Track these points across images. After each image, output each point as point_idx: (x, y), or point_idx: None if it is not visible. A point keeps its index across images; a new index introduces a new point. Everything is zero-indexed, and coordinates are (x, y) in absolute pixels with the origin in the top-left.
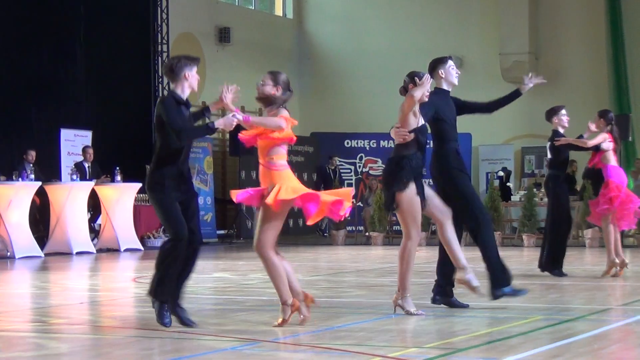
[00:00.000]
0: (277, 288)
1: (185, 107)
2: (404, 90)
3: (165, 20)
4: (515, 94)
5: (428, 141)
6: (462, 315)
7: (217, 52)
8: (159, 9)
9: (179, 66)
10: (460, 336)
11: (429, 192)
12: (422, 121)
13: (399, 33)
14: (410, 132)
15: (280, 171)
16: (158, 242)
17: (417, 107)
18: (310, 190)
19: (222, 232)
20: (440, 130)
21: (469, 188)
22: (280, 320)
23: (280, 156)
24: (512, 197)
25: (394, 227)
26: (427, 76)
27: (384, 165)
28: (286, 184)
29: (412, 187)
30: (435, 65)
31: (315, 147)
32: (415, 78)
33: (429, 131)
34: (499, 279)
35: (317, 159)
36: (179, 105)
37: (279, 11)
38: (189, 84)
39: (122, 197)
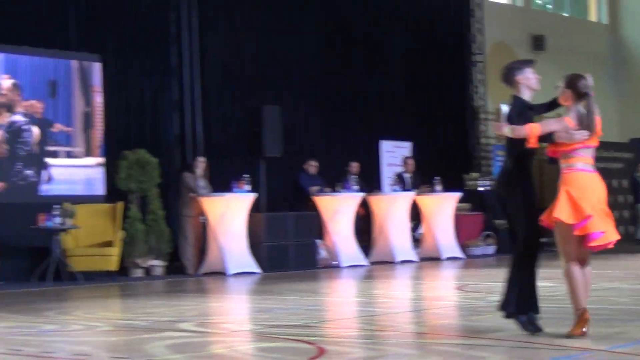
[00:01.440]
0: (571, 297)
1: (529, 109)
2: None
3: (480, 30)
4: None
5: None
6: None
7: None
8: (473, 19)
9: (508, 73)
10: None
11: None
12: None
13: None
14: None
15: (565, 173)
16: (479, 251)
17: None
18: (589, 214)
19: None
20: None
21: None
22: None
23: (571, 159)
24: None
25: None
26: None
27: None
28: (566, 192)
29: None
30: None
31: (636, 153)
32: None
33: None
34: None
35: (636, 165)
36: (526, 109)
37: (592, 17)
38: (526, 86)
39: (442, 207)
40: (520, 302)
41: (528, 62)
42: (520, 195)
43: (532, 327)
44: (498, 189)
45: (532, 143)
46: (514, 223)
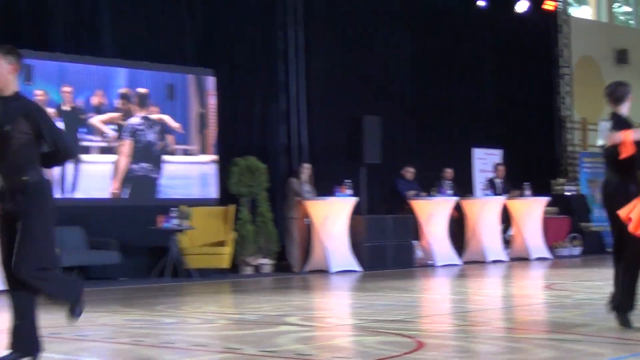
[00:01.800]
0: None
1: (629, 125)
2: None
3: (567, 45)
4: None
5: None
6: None
7: (616, 73)
8: (560, 35)
9: (623, 90)
10: None
11: None
12: None
13: None
14: None
15: None
16: (566, 252)
17: None
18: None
19: None
20: None
21: None
22: None
23: None
24: None
25: None
26: None
27: None
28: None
29: None
30: None
31: None
32: None
33: None
34: None
35: None
36: (627, 124)
37: None
38: (628, 107)
39: (531, 210)
40: (622, 300)
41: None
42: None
43: (626, 323)
44: (603, 202)
45: (628, 150)
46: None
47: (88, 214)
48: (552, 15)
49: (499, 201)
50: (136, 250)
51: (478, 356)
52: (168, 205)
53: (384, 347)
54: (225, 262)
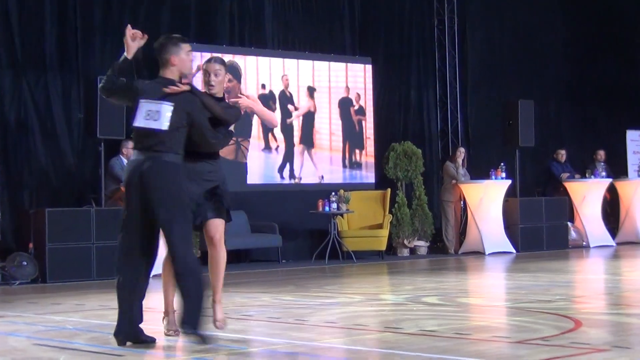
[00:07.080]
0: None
1: None
2: None
3: None
4: None
5: None
6: None
7: None
8: None
9: None
10: None
11: None
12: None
13: None
14: None
15: None
16: None
17: None
18: None
19: None
20: None
21: None
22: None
23: None
24: None
25: None
26: None
27: None
28: None
29: None
30: None
31: None
32: None
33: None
34: None
35: None
36: None
37: None
38: None
39: None
40: None
41: None
42: None
43: None
44: None
45: None
46: None
47: (250, 199)
48: None
49: None
50: (297, 234)
51: (635, 335)
52: (328, 190)
53: (540, 327)
54: (382, 245)
